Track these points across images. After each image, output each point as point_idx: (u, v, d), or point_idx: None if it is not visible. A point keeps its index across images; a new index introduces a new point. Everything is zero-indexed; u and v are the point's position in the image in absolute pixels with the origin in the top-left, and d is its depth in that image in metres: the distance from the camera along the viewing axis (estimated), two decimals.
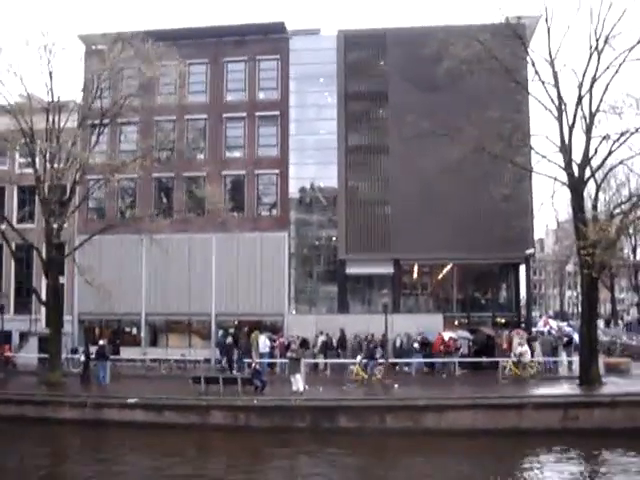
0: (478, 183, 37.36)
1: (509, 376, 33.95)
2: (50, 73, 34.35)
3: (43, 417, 29.93)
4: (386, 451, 25.15)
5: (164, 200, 46.29)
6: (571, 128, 31.78)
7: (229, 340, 38.35)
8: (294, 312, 44.36)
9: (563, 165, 31.84)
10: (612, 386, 30.29)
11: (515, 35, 32.19)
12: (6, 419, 29.83)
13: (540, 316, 73.36)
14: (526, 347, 34.93)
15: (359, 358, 35.23)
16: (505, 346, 36.91)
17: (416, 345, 37.66)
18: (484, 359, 36.55)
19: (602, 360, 34.39)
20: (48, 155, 34.52)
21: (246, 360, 36.09)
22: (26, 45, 33.75)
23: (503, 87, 34.37)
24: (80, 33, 45.19)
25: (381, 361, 35.29)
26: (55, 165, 34.57)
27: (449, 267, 44.70)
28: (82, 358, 36.22)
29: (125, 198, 46.44)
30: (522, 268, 44.77)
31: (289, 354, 34.21)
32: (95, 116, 35.92)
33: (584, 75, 31.23)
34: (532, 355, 36.37)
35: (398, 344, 38.14)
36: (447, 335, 37.86)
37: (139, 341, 44.49)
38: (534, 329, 43.96)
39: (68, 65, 41.72)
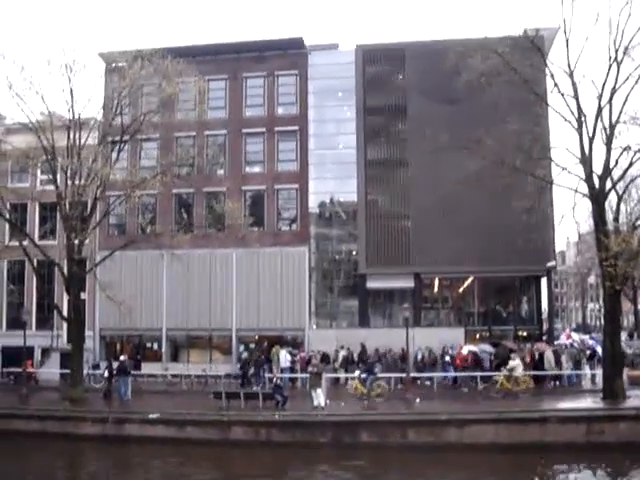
0: (498, 196, 37.12)
1: (500, 390, 33.56)
2: (71, 91, 34.60)
3: (65, 433, 29.98)
4: (408, 466, 24.93)
5: (184, 216, 46.40)
6: (591, 140, 31.58)
7: (244, 355, 38.77)
8: (315, 327, 44.31)
9: (584, 177, 31.63)
10: (637, 399, 29.90)
11: (533, 47, 32.03)
12: (29, 434, 29.89)
13: (563, 329, 72.80)
14: (518, 361, 34.51)
15: (357, 373, 34.83)
16: (528, 360, 36.67)
17: (448, 358, 37.45)
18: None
19: (626, 373, 34.00)
20: (69, 172, 34.72)
21: (267, 375, 36.23)
22: (47, 63, 33.97)
23: (522, 99, 34.20)
24: (100, 51, 45.44)
25: (380, 375, 35.05)
26: (76, 182, 34.72)
27: (470, 280, 44.47)
28: (106, 374, 36.19)
29: (145, 214, 46.67)
30: (544, 281, 44.52)
31: (310, 369, 34.15)
32: (115, 133, 36.14)
33: (604, 86, 31.04)
34: (560, 368, 36.15)
35: (419, 358, 38.01)
36: (466, 349, 37.65)
37: (160, 356, 44.59)
38: (556, 342, 43.61)
39: (89, 82, 41.71)
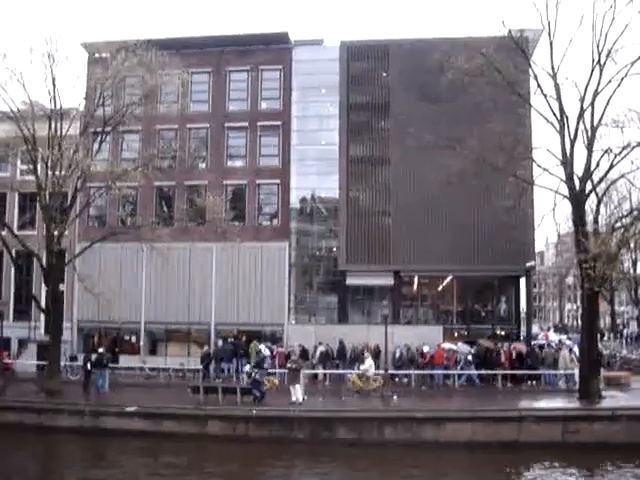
0: (479, 195, 37.41)
1: (352, 388, 34.18)
2: (53, 80, 34.26)
3: (41, 425, 29.85)
4: (384, 464, 24.93)
5: (165, 209, 46.25)
6: (573, 141, 31.78)
7: (205, 349, 39.48)
8: (294, 322, 44.30)
9: (564, 178, 31.85)
10: (612, 400, 30.18)
11: (518, 48, 32.18)
12: (4, 426, 29.72)
13: (543, 329, 73.38)
14: (371, 362, 35.01)
15: (248, 367, 34.86)
16: (504, 359, 36.85)
17: (470, 357, 37.09)
18: (483, 371, 36.41)
19: (602, 373, 34.25)
20: (50, 162, 34.40)
21: (246, 369, 36.30)
22: (29, 52, 33.60)
23: (505, 100, 34.32)
24: (83, 41, 45.26)
25: (271, 371, 35.71)
26: (57, 172, 34.44)
27: (449, 279, 44.65)
28: (88, 366, 35.70)
29: (126, 206, 46.41)
30: (522, 281, 44.72)
31: (289, 364, 34.14)
32: (97, 124, 35.89)
33: (586, 88, 31.26)
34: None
35: (397, 355, 38.06)
36: (425, 348, 37.56)
37: (138, 349, 44.39)
38: (534, 342, 43.85)
39: (71, 72, 41.45)
